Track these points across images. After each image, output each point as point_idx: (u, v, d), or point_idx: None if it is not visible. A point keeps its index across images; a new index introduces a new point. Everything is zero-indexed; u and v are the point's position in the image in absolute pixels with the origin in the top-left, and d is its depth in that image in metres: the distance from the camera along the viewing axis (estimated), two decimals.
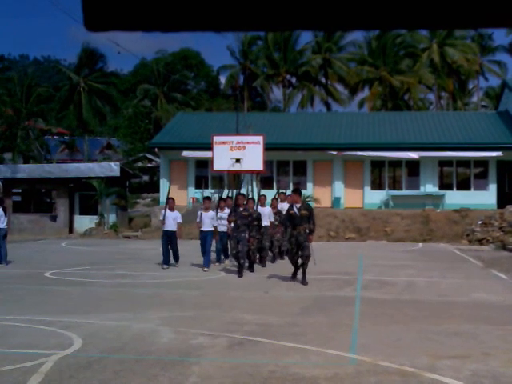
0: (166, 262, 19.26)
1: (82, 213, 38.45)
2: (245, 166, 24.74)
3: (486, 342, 9.29)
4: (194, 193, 38.50)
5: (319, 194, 37.30)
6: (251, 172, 25.82)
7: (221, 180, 37.92)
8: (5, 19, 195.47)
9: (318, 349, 8.78)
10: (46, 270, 18.38)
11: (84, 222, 37.61)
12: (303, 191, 36.56)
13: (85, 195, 38.02)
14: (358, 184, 38.20)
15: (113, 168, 38.61)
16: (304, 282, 15.47)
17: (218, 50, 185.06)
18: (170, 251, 19.39)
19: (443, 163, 38.61)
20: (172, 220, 19.32)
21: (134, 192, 45.99)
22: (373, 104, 63.31)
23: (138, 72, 74.86)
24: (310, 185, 38.35)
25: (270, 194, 24.79)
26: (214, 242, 19.45)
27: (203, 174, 38.83)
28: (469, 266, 20.45)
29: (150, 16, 1.07)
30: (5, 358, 8.21)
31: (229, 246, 19.36)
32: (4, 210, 20.77)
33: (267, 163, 29.73)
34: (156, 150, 41.23)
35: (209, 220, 19.03)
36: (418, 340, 9.44)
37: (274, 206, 21.52)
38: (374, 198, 37.69)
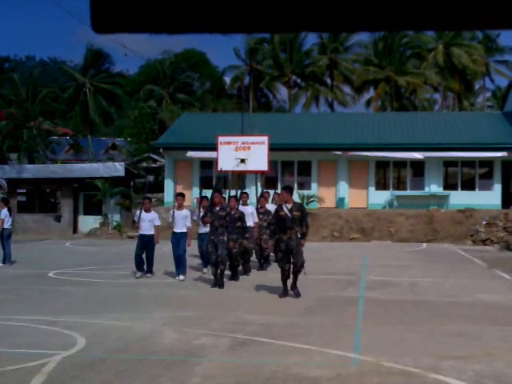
0: (139, 268, 16.96)
1: (87, 213, 38.48)
2: (249, 166, 24.71)
3: (490, 343, 9.28)
4: (198, 193, 38.47)
5: (323, 194, 37.23)
6: (256, 172, 25.77)
7: (225, 180, 37.91)
8: (11, 21, 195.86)
9: (321, 349, 8.78)
10: (49, 270, 18.40)
11: (88, 222, 37.64)
12: (308, 191, 36.66)
13: (89, 195, 38.06)
14: (362, 184, 38.14)
15: (117, 168, 38.64)
16: (296, 292, 13.45)
17: (223, 51, 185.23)
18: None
19: (448, 163, 38.52)
20: (148, 222, 16.93)
21: (138, 192, 46.01)
22: (378, 104, 63.28)
23: (144, 73, 74.94)
24: (314, 185, 38.31)
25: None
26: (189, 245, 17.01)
27: (208, 175, 38.80)
28: (473, 267, 20.41)
29: (157, 18, 1.08)
30: (8, 357, 8.23)
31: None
32: (9, 210, 20.80)
33: (272, 163, 29.71)
34: (161, 150, 41.23)
35: (182, 219, 16.68)
36: (421, 340, 9.42)
37: (262, 205, 19.50)
38: (379, 198, 37.62)
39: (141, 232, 17.02)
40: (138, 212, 17.45)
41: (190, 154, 38.00)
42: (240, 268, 17.34)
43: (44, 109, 53.61)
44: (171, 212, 17.03)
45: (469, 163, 38.15)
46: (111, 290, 14.81)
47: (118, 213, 37.59)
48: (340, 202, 37.60)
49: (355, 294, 14.17)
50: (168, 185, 39.36)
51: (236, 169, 25.04)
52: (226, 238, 15.38)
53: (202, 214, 16.87)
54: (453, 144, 36.86)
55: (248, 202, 19.17)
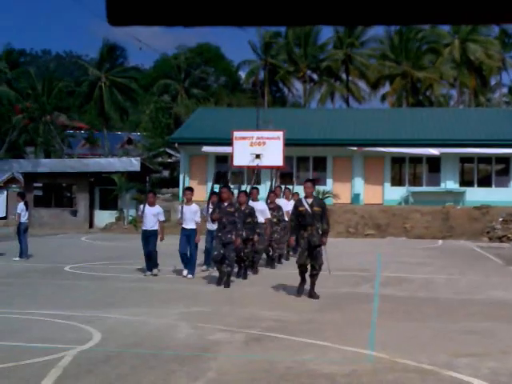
0: (149, 268, 16.34)
1: (102, 207, 38.63)
2: (265, 161, 24.69)
3: (505, 340, 9.24)
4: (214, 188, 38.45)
5: (339, 190, 37.19)
6: (271, 168, 25.75)
7: (241, 175, 37.90)
8: (27, 15, 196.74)
9: (336, 345, 8.77)
10: (65, 265, 18.50)
11: (104, 217, 37.78)
12: (323, 187, 36.57)
13: (105, 190, 38.20)
14: (377, 180, 38.05)
15: (133, 163, 38.78)
16: (313, 294, 12.85)
17: (238, 45, 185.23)
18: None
19: (464, 160, 38.37)
20: (152, 217, 16.07)
21: (153, 187, 46.22)
22: (394, 100, 63.07)
23: (159, 68, 75.02)
24: (329, 181, 38.27)
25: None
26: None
27: (223, 170, 38.81)
28: (488, 264, 20.32)
29: (171, 10, 1.09)
30: (24, 351, 8.28)
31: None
32: (26, 204, 20.93)
33: (287, 159, 29.67)
34: (176, 145, 41.32)
35: (191, 215, 15.93)
36: (435, 337, 9.40)
37: (271, 200, 18.98)
38: (394, 194, 37.52)
39: (143, 227, 16.28)
40: (141, 206, 16.69)
41: (205, 148, 38.04)
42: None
43: (59, 103, 53.86)
44: (179, 207, 16.45)
45: (485, 159, 37.95)
46: (126, 284, 14.86)
47: (133, 208, 37.69)
48: (355, 197, 37.53)
49: (370, 291, 14.15)
50: (183, 180, 39.44)
51: (251, 164, 25.02)
52: (234, 237, 14.58)
53: (211, 210, 16.04)
54: (469, 140, 36.64)
55: (258, 197, 18.58)
